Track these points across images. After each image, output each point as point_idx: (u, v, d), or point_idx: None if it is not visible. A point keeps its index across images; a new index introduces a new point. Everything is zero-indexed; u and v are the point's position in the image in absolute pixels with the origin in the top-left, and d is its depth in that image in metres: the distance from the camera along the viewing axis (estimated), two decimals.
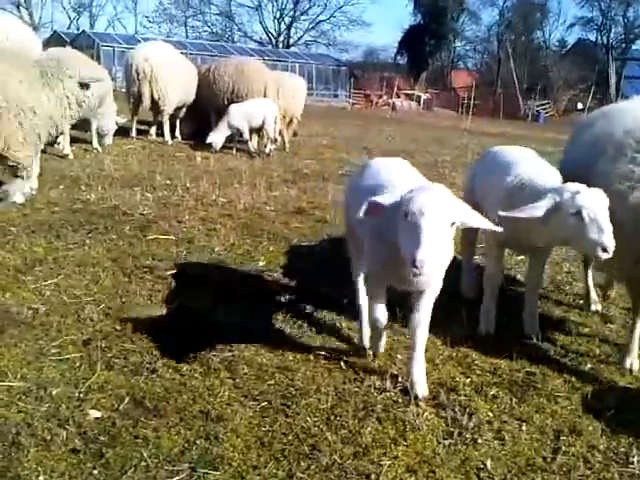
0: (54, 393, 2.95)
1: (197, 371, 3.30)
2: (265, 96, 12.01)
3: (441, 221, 2.63)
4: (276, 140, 11.68)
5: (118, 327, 3.73)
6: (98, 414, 2.82)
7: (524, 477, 2.63)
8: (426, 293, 3.16)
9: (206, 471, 2.50)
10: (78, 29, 42.45)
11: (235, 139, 11.58)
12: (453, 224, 2.72)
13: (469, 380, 3.43)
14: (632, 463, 2.76)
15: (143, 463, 2.52)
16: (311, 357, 3.56)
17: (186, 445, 2.66)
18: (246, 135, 11.25)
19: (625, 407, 3.24)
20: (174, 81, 11.46)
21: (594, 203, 3.24)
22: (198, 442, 2.68)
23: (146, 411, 2.88)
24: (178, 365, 3.33)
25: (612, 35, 51.97)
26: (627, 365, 3.68)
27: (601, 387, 3.48)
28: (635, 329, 3.71)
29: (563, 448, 2.84)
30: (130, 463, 2.51)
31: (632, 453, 2.83)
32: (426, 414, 3.04)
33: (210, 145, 11.03)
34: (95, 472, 2.44)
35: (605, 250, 3.17)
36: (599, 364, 3.75)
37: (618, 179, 3.47)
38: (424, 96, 43.91)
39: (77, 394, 2.97)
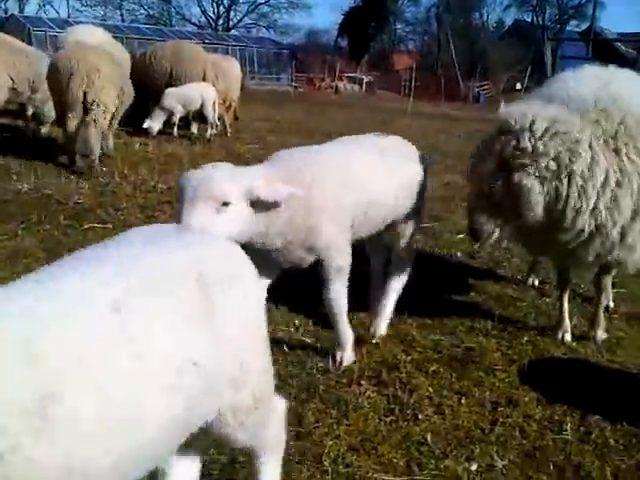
0: None
1: None
2: (204, 80, 11.81)
3: None
4: (216, 125, 11.52)
5: None
6: None
7: (463, 449, 2.69)
8: None
9: None
10: (6, 13, 40.62)
11: (172, 123, 11.34)
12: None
13: (410, 357, 3.47)
14: (566, 430, 2.85)
15: None
16: None
17: None
18: (175, 118, 11.09)
19: (560, 377, 3.35)
20: None
21: None
22: None
23: None
24: None
25: (547, 16, 53.20)
26: (559, 337, 3.80)
27: (537, 359, 3.58)
28: (563, 302, 3.84)
29: (500, 419, 2.92)
30: None
31: (566, 421, 2.93)
32: (368, 393, 3.07)
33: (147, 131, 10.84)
34: None
35: None
36: (535, 337, 3.86)
37: None
38: (366, 79, 44.02)
39: None
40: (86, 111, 7.63)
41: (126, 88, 8.53)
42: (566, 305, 3.85)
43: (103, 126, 7.86)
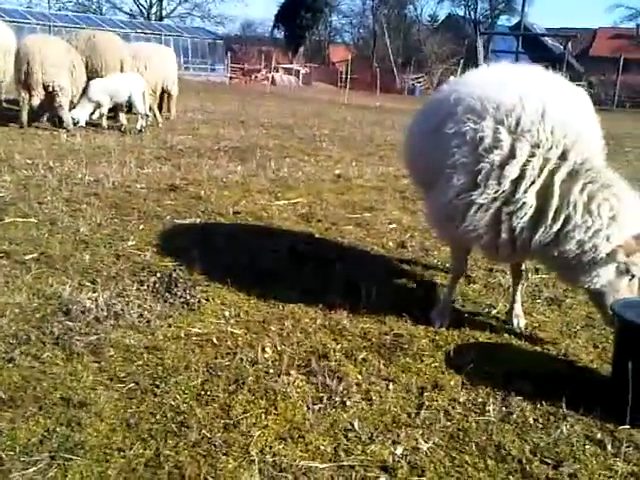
0: None
1: (59, 357, 3.14)
2: (122, 71, 11.47)
3: None
4: (147, 116, 11.28)
5: None
6: None
7: (390, 434, 2.73)
8: None
9: (67, 457, 2.39)
10: None
11: (100, 114, 11.04)
12: None
13: (340, 346, 3.50)
14: (488, 412, 2.93)
15: None
16: (182, 335, 3.50)
17: (45, 434, 2.53)
18: (104, 109, 10.82)
19: (484, 361, 3.43)
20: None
21: None
22: (58, 430, 2.56)
23: (0, 402, 2.71)
24: (38, 352, 3.16)
25: (479, 10, 54.53)
26: (515, 324, 3.95)
27: (463, 344, 3.67)
28: (517, 291, 4.00)
29: (426, 403, 2.98)
30: None
31: (489, 403, 3.01)
32: (297, 382, 3.07)
33: (75, 122, 10.52)
34: None
35: None
36: (462, 322, 3.94)
37: None
38: (303, 70, 43.99)
39: None
40: None
41: None
42: (519, 294, 4.02)
43: None
